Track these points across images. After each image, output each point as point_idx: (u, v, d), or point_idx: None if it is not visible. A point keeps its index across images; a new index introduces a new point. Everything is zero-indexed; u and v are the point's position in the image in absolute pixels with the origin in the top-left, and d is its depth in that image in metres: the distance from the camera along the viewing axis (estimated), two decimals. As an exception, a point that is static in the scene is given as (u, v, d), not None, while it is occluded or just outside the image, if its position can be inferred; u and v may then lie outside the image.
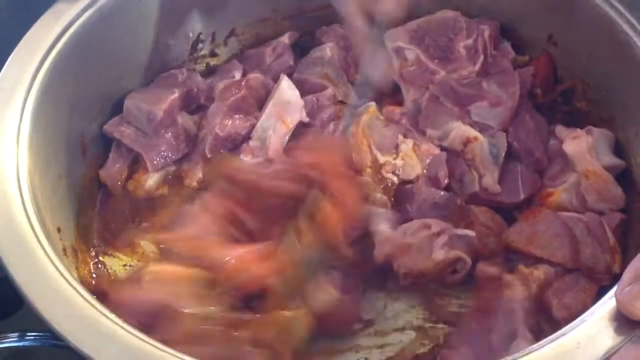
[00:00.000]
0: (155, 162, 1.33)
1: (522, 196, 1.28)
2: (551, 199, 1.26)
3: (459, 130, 1.31)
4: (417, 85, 1.39)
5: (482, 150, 1.29)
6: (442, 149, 1.33)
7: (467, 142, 1.30)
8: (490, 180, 1.28)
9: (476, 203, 1.28)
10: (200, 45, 1.50)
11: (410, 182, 1.30)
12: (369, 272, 1.21)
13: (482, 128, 1.32)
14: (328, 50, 1.46)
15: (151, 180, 1.34)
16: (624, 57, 1.26)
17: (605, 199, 1.23)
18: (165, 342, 0.93)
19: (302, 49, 1.52)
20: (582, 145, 1.25)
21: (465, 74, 1.39)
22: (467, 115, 1.34)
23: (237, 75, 1.46)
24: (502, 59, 1.43)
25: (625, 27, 1.26)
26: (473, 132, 1.30)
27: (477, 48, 1.41)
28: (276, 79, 1.42)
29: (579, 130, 1.29)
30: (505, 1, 1.45)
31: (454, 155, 1.32)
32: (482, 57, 1.40)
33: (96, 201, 1.35)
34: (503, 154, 1.29)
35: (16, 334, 1.04)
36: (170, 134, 1.34)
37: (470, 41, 1.40)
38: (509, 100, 1.33)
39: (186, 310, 1.03)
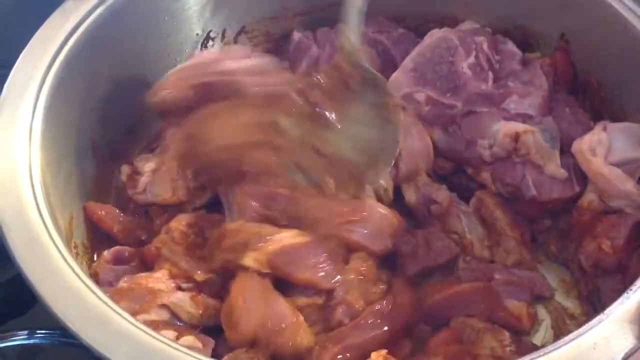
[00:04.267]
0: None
1: (577, 189, 1.26)
2: (580, 201, 1.26)
3: (505, 127, 1.28)
4: (441, 123, 1.36)
5: (535, 140, 1.26)
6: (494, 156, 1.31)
7: (516, 137, 1.27)
8: (553, 166, 1.26)
9: (535, 207, 1.28)
10: (211, 42, 1.50)
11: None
12: None
13: (524, 119, 1.30)
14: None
15: None
16: (636, 55, 1.26)
17: (616, 197, 1.21)
18: None
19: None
20: (583, 145, 1.24)
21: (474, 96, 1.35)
22: (506, 112, 1.31)
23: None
24: (511, 61, 1.40)
25: (638, 25, 1.25)
26: (521, 126, 1.28)
27: (482, 65, 1.36)
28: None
29: (595, 127, 1.27)
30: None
31: (505, 162, 1.30)
32: (490, 74, 1.37)
33: (106, 198, 1.35)
34: (558, 137, 1.27)
35: (25, 332, 1.04)
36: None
37: (471, 59, 1.36)
38: (539, 90, 1.32)
39: None
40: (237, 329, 1.07)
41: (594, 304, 1.23)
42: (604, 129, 1.25)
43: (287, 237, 1.13)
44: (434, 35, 1.39)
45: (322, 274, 1.12)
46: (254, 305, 1.07)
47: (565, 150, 1.29)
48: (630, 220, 1.19)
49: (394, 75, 1.38)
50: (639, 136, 1.24)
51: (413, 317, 1.15)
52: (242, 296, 1.08)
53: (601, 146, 1.23)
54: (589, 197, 1.24)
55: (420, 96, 1.36)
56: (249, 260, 1.11)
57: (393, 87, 1.37)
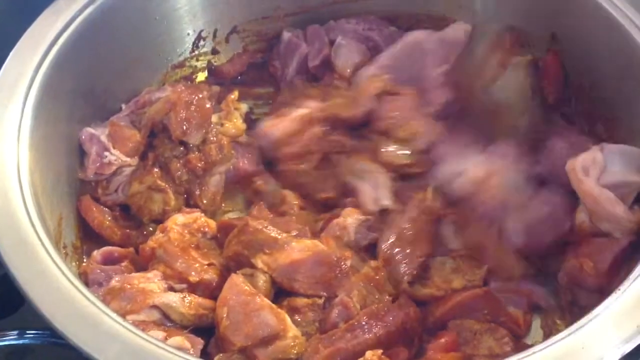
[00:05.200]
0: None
1: (567, 224, 1.22)
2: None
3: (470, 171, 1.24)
4: None
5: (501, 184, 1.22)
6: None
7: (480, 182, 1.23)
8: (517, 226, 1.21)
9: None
10: (202, 42, 1.50)
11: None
12: None
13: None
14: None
15: None
16: (627, 56, 1.25)
17: (605, 219, 1.18)
18: None
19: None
20: (576, 164, 1.20)
21: (438, 105, 1.34)
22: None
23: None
24: None
25: (629, 26, 1.25)
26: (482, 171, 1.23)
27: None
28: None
29: (592, 148, 1.23)
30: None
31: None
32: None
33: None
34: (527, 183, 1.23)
35: (15, 332, 1.03)
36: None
37: (446, 66, 1.36)
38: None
39: None
40: (223, 342, 1.07)
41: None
42: (601, 149, 1.22)
43: (298, 251, 1.14)
44: (413, 34, 1.40)
45: (325, 287, 1.13)
46: (236, 319, 1.06)
47: (554, 188, 1.25)
48: (617, 246, 1.16)
49: (364, 68, 1.40)
50: (636, 160, 1.21)
51: (416, 330, 1.14)
52: (226, 307, 1.07)
53: (595, 166, 1.19)
54: (580, 218, 1.21)
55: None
56: (259, 262, 1.13)
57: (361, 77, 1.39)
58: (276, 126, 1.36)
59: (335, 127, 1.33)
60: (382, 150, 1.30)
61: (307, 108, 1.35)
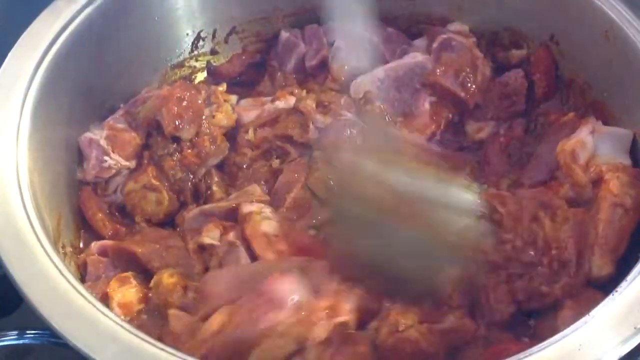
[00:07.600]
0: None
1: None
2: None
3: None
4: None
5: None
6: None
7: None
8: None
9: None
10: (201, 42, 1.50)
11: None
12: None
13: None
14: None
15: None
16: (625, 57, 1.25)
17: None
18: None
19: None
20: (566, 147, 1.20)
21: (424, 135, 1.35)
22: None
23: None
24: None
25: (627, 27, 1.25)
26: None
27: (440, 110, 1.36)
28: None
29: (583, 129, 1.24)
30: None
31: None
32: (442, 123, 1.37)
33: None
34: None
35: (15, 332, 1.04)
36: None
37: (435, 98, 1.37)
38: None
39: None
40: None
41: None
42: (591, 132, 1.22)
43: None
44: (416, 57, 1.40)
45: None
46: None
47: None
48: None
49: (360, 78, 1.40)
50: (625, 142, 1.22)
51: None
52: None
53: (585, 151, 1.20)
54: (566, 193, 1.20)
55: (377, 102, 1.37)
56: None
57: (355, 87, 1.39)
58: (248, 111, 1.38)
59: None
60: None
61: (282, 103, 1.37)
